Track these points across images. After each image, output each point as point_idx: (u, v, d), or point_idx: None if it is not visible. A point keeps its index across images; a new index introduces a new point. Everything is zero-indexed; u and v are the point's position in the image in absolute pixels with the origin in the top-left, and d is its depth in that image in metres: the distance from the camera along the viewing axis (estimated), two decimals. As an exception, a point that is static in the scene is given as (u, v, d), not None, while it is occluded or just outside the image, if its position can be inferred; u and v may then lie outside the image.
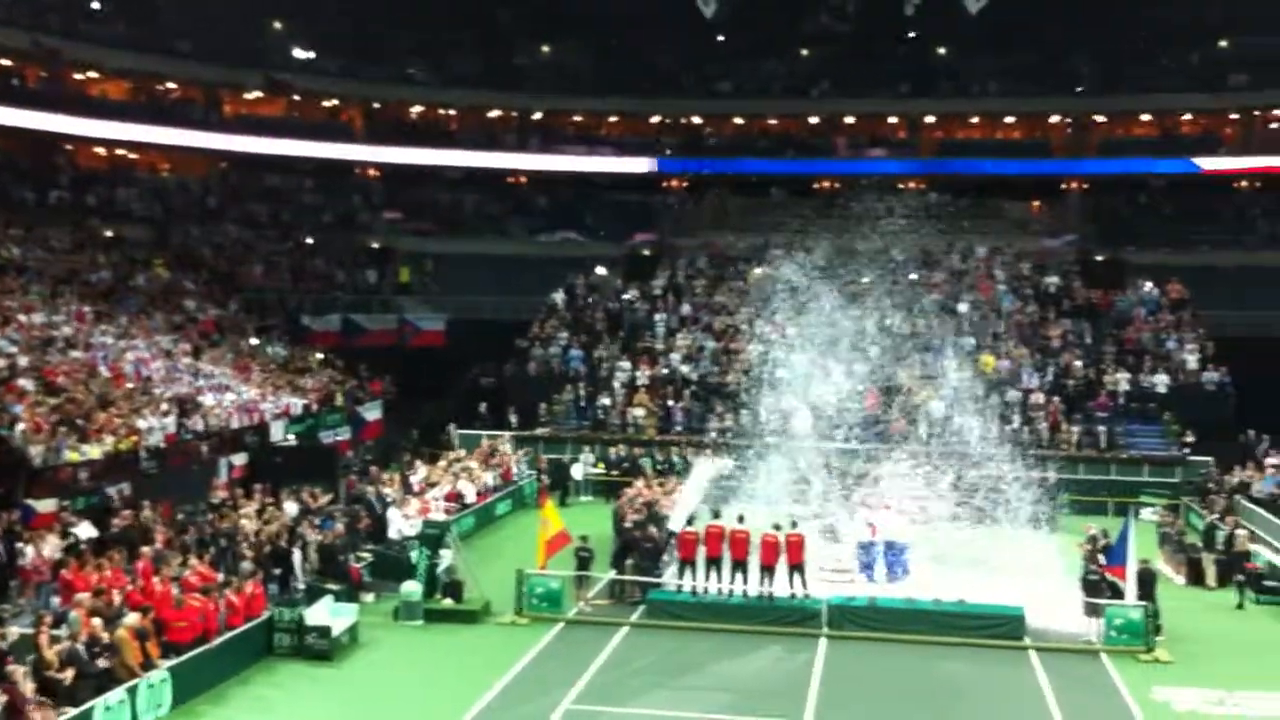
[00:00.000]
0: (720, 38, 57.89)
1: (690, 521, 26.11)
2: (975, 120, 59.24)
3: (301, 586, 24.12)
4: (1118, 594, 23.80)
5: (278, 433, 34.09)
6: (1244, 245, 51.00)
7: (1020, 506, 29.21)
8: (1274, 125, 55.71)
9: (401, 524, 28.17)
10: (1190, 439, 38.24)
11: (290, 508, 27.11)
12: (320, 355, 42.50)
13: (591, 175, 59.68)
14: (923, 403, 38.08)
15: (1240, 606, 26.73)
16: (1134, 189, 56.01)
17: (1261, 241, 51.63)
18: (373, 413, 39.67)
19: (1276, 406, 37.17)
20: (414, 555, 25.78)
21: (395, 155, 57.44)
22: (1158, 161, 55.17)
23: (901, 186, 57.77)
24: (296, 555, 24.81)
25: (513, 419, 41.41)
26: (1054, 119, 57.91)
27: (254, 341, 41.83)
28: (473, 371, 44.65)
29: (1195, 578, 28.58)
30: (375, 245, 54.58)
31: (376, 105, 59.16)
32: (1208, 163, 55.10)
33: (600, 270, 50.60)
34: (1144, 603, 23.51)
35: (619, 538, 27.18)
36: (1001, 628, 23.71)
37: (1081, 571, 24.80)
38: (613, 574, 26.20)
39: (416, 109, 59.90)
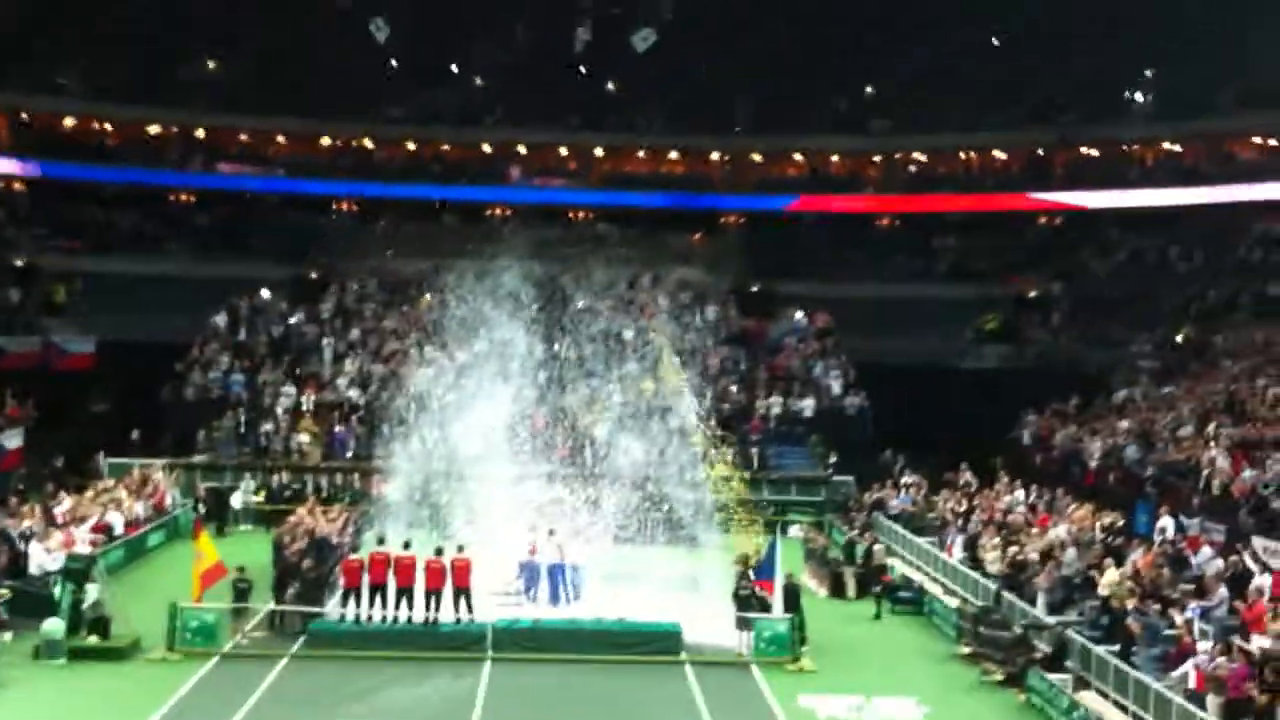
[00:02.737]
0: (393, 62, 57.67)
1: (355, 549, 25.85)
2: (642, 154, 61.25)
3: (-71, 627, 22.44)
4: (766, 608, 25.11)
5: (-96, 463, 31.58)
6: (883, 278, 54.62)
7: (677, 525, 30.45)
8: (912, 167, 60.24)
9: (43, 558, 26.53)
10: (833, 459, 40.63)
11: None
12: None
13: (258, 196, 58.26)
14: (588, 427, 38.90)
15: (878, 616, 28.61)
16: (786, 223, 59.20)
17: (899, 275, 55.53)
18: (13, 440, 37.12)
19: (910, 429, 40.17)
20: (56, 590, 24.40)
21: (44, 169, 54.26)
22: (805, 199, 58.69)
23: (571, 216, 59.17)
24: (-76, 594, 23.07)
25: (168, 445, 39.72)
26: (714, 156, 60.55)
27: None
28: (92, 397, 42.52)
29: (837, 590, 30.41)
30: (19, 263, 51.25)
31: (24, 115, 55.74)
32: (849, 200, 59.00)
33: (265, 293, 49.19)
34: (790, 615, 24.89)
35: (279, 566, 26.52)
36: (660, 644, 24.55)
37: (734, 587, 26.02)
38: (272, 604, 25.58)
39: (69, 121, 56.81)
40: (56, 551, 26.57)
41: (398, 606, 24.70)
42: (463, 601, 24.74)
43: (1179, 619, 21.89)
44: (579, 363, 42.52)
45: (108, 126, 57.77)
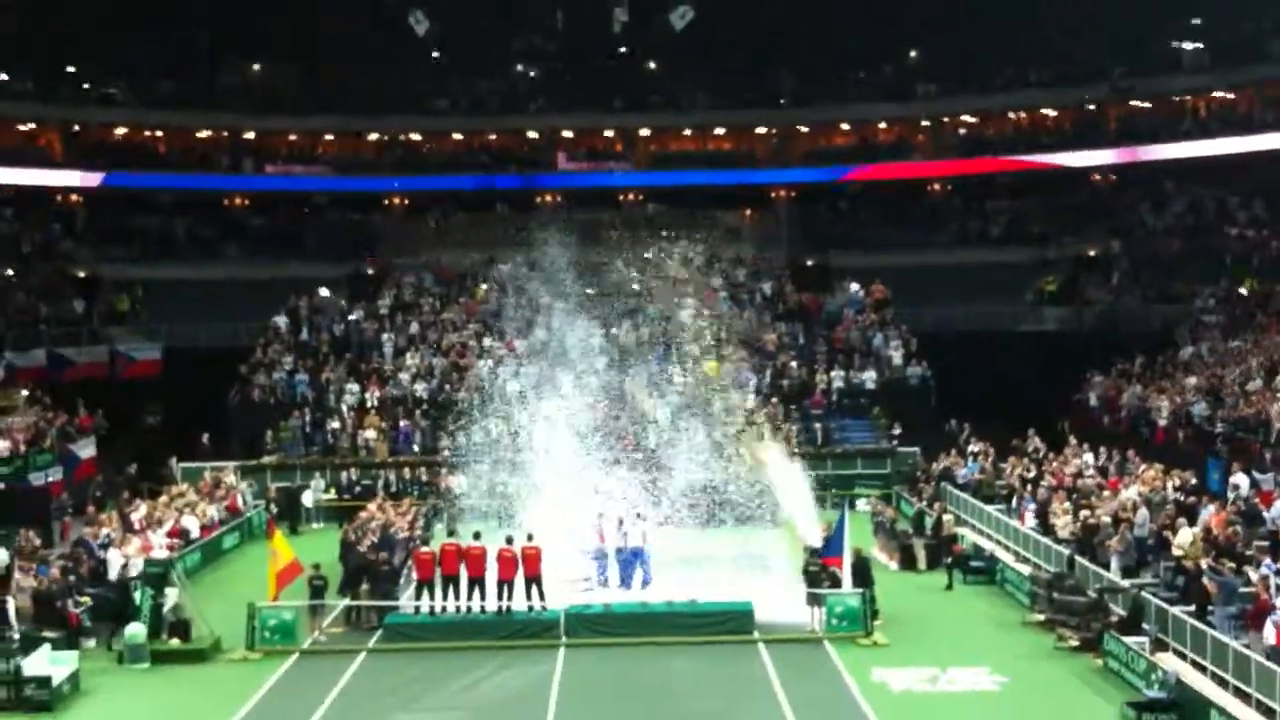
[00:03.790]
0: (434, 55, 57.95)
1: (425, 541, 26.12)
2: (687, 133, 61.08)
3: (16, 636, 22.88)
4: (836, 583, 25.10)
5: (-17, 477, 32.21)
6: (938, 245, 54.20)
7: (745, 505, 30.51)
8: (961, 130, 59.66)
9: (122, 564, 27.05)
10: (897, 431, 40.44)
11: (1, 555, 25.67)
12: (26, 392, 40.21)
13: (310, 195, 58.79)
14: (650, 410, 39.00)
15: (949, 587, 28.55)
16: (836, 195, 58.87)
17: (952, 241, 55.10)
18: (86, 450, 37.82)
19: (974, 397, 39.85)
20: (137, 596, 24.85)
21: (99, 179, 55.03)
22: (855, 168, 58.33)
23: (621, 198, 59.19)
24: (9, 603, 23.51)
25: (237, 448, 40.28)
26: (760, 130, 60.26)
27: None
28: (154, 405, 43.11)
29: (908, 562, 30.34)
30: (81, 274, 52.06)
31: (76, 127, 56.56)
32: (900, 169, 58.54)
33: (323, 292, 49.65)
34: (861, 589, 24.88)
35: (349, 562, 26.84)
36: (731, 624, 24.63)
37: (803, 564, 26.05)
38: (346, 600, 25.91)
39: (120, 131, 57.57)
40: (135, 557, 27.07)
41: (470, 597, 24.95)
42: (535, 589, 24.92)
43: (1254, 576, 21.65)
44: (638, 346, 42.71)
45: (158, 134, 58.38)
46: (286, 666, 23.43)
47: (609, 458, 32.11)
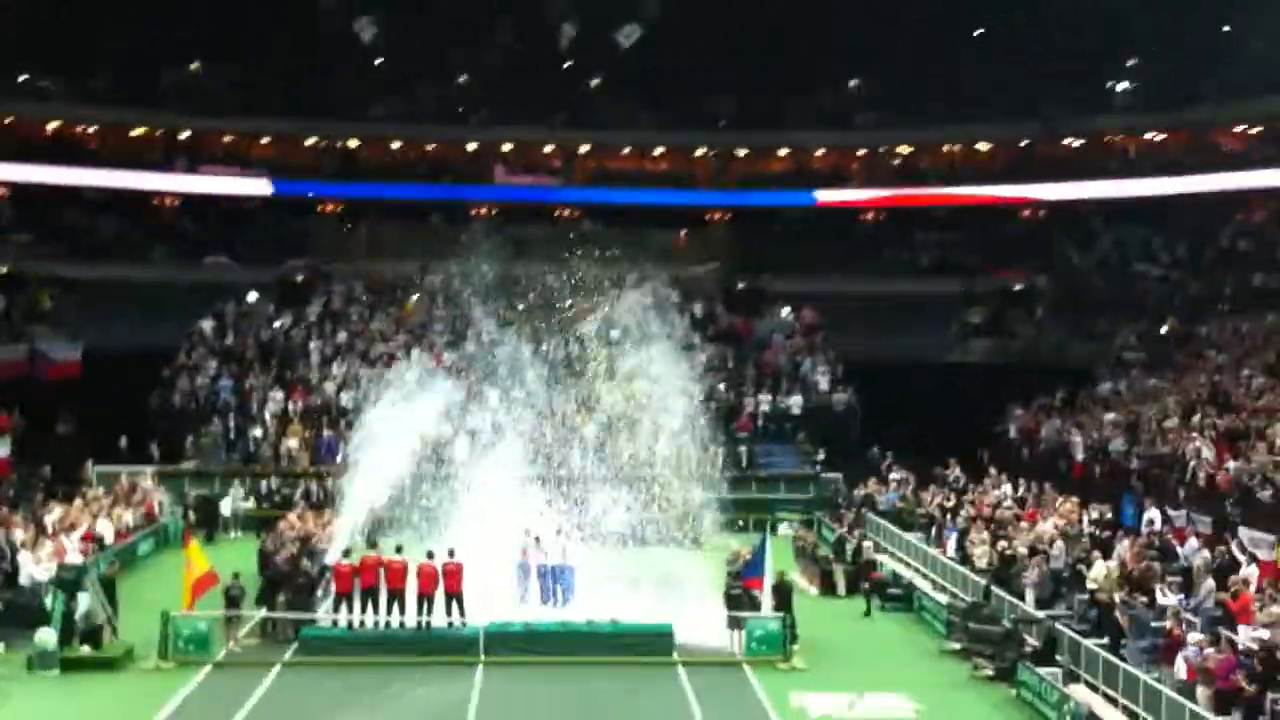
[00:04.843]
0: (377, 62, 57.62)
1: (347, 554, 25.85)
2: (626, 151, 61.21)
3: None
4: (756, 606, 25.21)
5: (-109, 475, 31.49)
6: (869, 273, 54.71)
7: (669, 526, 30.56)
8: (896, 161, 60.35)
9: (34, 568, 26.56)
10: (821, 457, 40.74)
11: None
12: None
13: (242, 198, 58.15)
14: (578, 428, 38.90)
15: (867, 613, 28.72)
16: (771, 220, 59.27)
17: (884, 269, 55.65)
18: (1, 449, 37.09)
19: (897, 425, 40.30)
20: (48, 601, 24.40)
21: (25, 174, 54.13)
22: (791, 194, 58.80)
23: (557, 214, 59.17)
24: (-86, 607, 23.04)
25: (155, 453, 39.68)
26: (699, 152, 60.56)
27: None
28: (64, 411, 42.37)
29: (828, 588, 30.53)
30: (3, 270, 51.05)
31: (6, 120, 55.57)
32: (833, 195, 59.08)
33: (252, 297, 49.09)
34: (781, 614, 25.00)
35: (266, 573, 26.52)
36: (652, 645, 24.62)
37: (725, 586, 26.14)
38: (263, 612, 25.59)
39: (52, 125, 56.65)
40: (48, 561, 26.58)
41: (389, 611, 24.76)
42: (455, 606, 24.78)
43: (1167, 610, 22.05)
44: (566, 363, 42.58)
45: (91, 131, 57.53)
46: (200, 678, 23.09)
47: (535, 474, 31.97)
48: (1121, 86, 57.57)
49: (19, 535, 28.18)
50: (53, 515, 30.64)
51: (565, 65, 58.25)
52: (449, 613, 24.77)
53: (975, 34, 57.03)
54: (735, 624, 25.04)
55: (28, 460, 37.91)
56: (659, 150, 61.16)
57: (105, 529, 31.41)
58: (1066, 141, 57.67)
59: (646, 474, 32.57)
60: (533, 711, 21.78)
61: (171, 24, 53.79)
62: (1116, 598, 23.14)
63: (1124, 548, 25.92)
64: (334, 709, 21.55)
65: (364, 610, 24.77)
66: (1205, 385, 37.17)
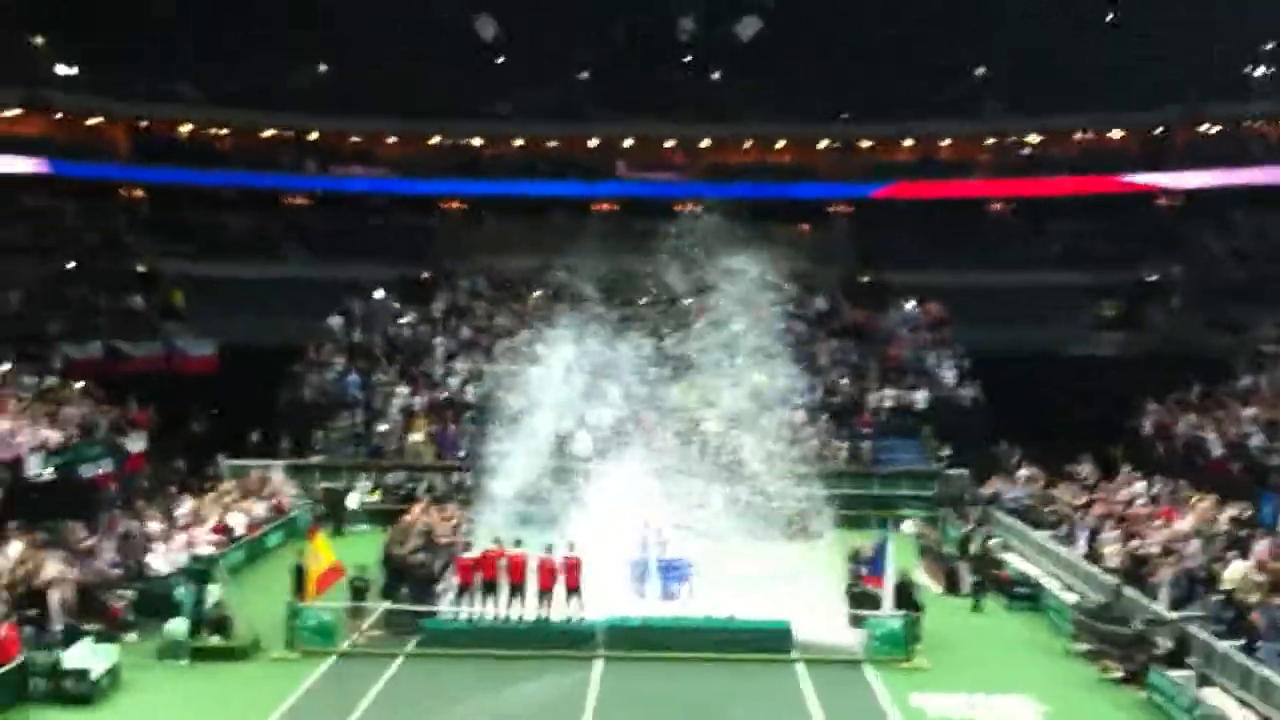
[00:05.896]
0: (499, 60, 58.17)
1: (468, 548, 26.12)
2: (748, 145, 60.87)
3: (58, 628, 23.13)
4: (877, 604, 24.84)
5: (34, 467, 32.49)
6: (996, 265, 53.60)
7: (790, 521, 30.24)
8: (1024, 150, 59.06)
9: (166, 559, 27.30)
10: (946, 452, 39.97)
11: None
12: (81, 385, 40.69)
13: (369, 197, 59.20)
14: (698, 422, 38.80)
15: (976, 608, 28.11)
16: (896, 212, 58.40)
17: (1012, 261, 54.46)
18: (136, 444, 38.05)
19: (1026, 420, 39.30)
20: (179, 591, 25.06)
21: (163, 175, 55.78)
22: (912, 184, 57.90)
23: (678, 209, 59.03)
24: (53, 595, 23.77)
25: (285, 447, 40.53)
26: (821, 144, 59.94)
27: (7, 369, 39.77)
28: (199, 407, 43.41)
29: (952, 586, 29.92)
30: (141, 269, 52.72)
31: (143, 124, 57.34)
32: (961, 187, 58.03)
33: (378, 294, 49.95)
34: (904, 612, 24.58)
35: (390, 565, 26.90)
36: (769, 642, 24.44)
37: (845, 584, 25.80)
38: (386, 604, 25.96)
39: (185, 128, 58.29)
40: (179, 552, 27.30)
41: (509, 605, 24.94)
42: (574, 600, 24.87)
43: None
44: (687, 358, 42.49)
45: (223, 132, 59.08)
46: (324, 668, 23.50)
47: (655, 468, 31.93)
48: (1260, 71, 55.53)
49: (153, 527, 29.01)
50: (184, 508, 31.48)
51: (686, 59, 58.10)
52: (568, 606, 24.84)
53: (1106, 17, 55.44)
54: (857, 621, 24.68)
55: (162, 454, 39.01)
56: (780, 143, 60.69)
57: (236, 521, 32.14)
58: (1203, 129, 55.79)
59: (765, 469, 32.17)
60: (650, 706, 21.72)
61: (299, 26, 54.98)
62: (1253, 599, 22.27)
63: (1262, 547, 24.95)
64: (454, 699, 21.78)
65: (484, 603, 24.96)
66: (1350, 378, 35.66)
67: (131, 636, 24.55)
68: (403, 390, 43.01)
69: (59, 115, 55.38)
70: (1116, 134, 58.11)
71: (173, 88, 57.95)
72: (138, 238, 54.78)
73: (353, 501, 37.73)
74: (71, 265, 51.19)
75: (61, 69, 55.43)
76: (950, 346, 45.47)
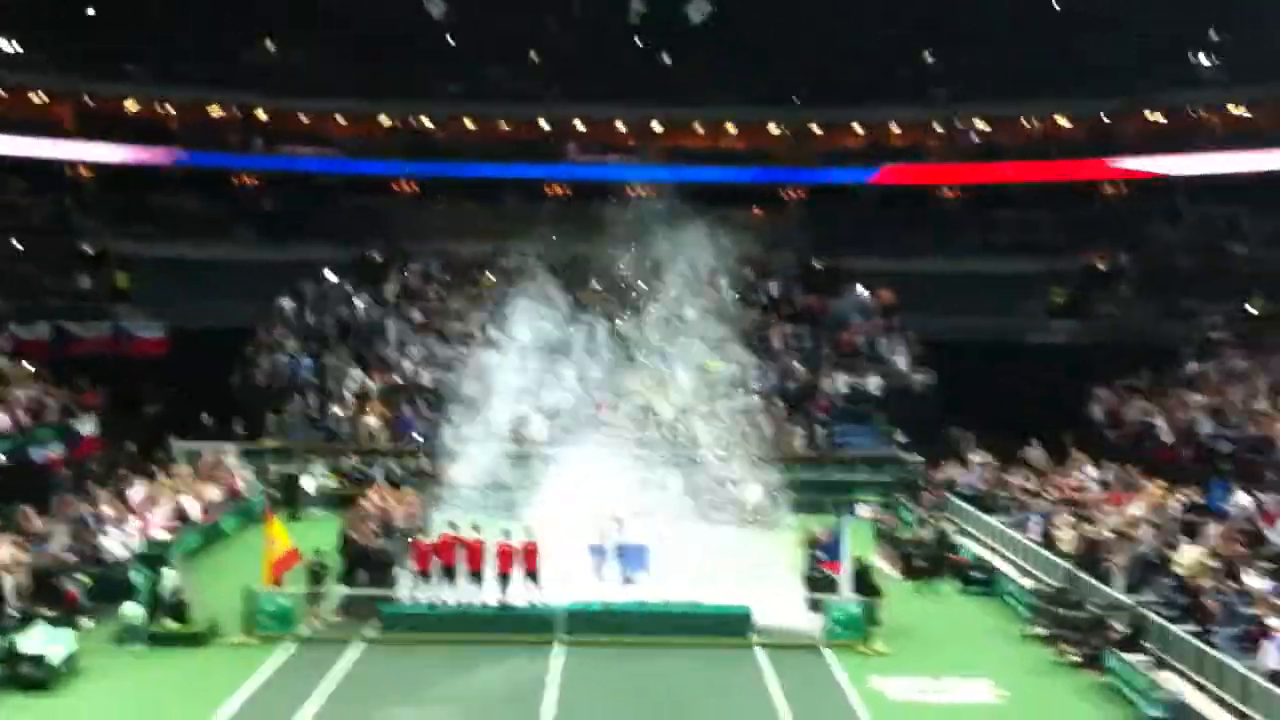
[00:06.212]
0: (450, 41, 57.73)
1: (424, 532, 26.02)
2: (700, 129, 60.83)
3: (14, 613, 22.81)
4: (835, 589, 25.01)
5: (-16, 450, 32.06)
6: (947, 252, 53.96)
7: (747, 506, 30.38)
8: (974, 137, 59.43)
9: (121, 544, 26.99)
10: (901, 438, 40.29)
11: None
12: (30, 367, 40.06)
13: (319, 177, 58.61)
14: (652, 406, 38.81)
15: (933, 593, 28.46)
16: (848, 198, 58.61)
17: (964, 248, 54.81)
18: (88, 427, 37.63)
19: (978, 405, 39.68)
20: (135, 576, 24.80)
21: (111, 154, 55.00)
22: (866, 171, 58.13)
23: (631, 193, 58.99)
24: (7, 580, 23.41)
25: (238, 430, 40.16)
26: (773, 129, 60.00)
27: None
28: (150, 389, 42.86)
29: (908, 571, 30.18)
30: (88, 249, 51.90)
31: (90, 101, 56.44)
32: (912, 172, 58.35)
33: (330, 276, 49.49)
34: (862, 596, 24.78)
35: (347, 550, 26.74)
36: (730, 626, 24.60)
37: (804, 569, 25.96)
38: (345, 589, 25.81)
39: (132, 106, 57.44)
40: (134, 537, 27.00)
41: (468, 590, 24.85)
42: (532, 584, 24.85)
43: (1257, 596, 21.58)
44: (642, 342, 42.49)
45: (171, 111, 58.28)
46: (284, 653, 23.37)
47: (611, 452, 31.94)
48: (1207, 60, 56.17)
49: (106, 511, 28.65)
50: (137, 492, 31.10)
51: (637, 42, 57.95)
52: (526, 591, 24.81)
53: (1054, 5, 55.81)
54: (815, 606, 24.86)
55: (113, 437, 38.54)
56: (732, 127, 60.68)
57: (190, 505, 31.81)
58: (1151, 117, 56.41)
59: (721, 455, 32.29)
60: (611, 691, 21.78)
61: (248, 5, 54.28)
62: (1205, 583, 22.65)
63: (1213, 532, 25.38)
64: (415, 685, 21.73)
65: (442, 588, 24.86)
66: (1295, 366, 36.32)
67: (88, 622, 24.28)
68: (356, 373, 42.69)
69: (1, 93, 54.36)
70: (1064, 122, 58.54)
71: (119, 66, 57.00)
72: (84, 217, 53.90)
73: (308, 485, 37.45)
74: (17, 244, 50.24)
75: (4, 45, 54.36)
76: (902, 333, 45.75)
